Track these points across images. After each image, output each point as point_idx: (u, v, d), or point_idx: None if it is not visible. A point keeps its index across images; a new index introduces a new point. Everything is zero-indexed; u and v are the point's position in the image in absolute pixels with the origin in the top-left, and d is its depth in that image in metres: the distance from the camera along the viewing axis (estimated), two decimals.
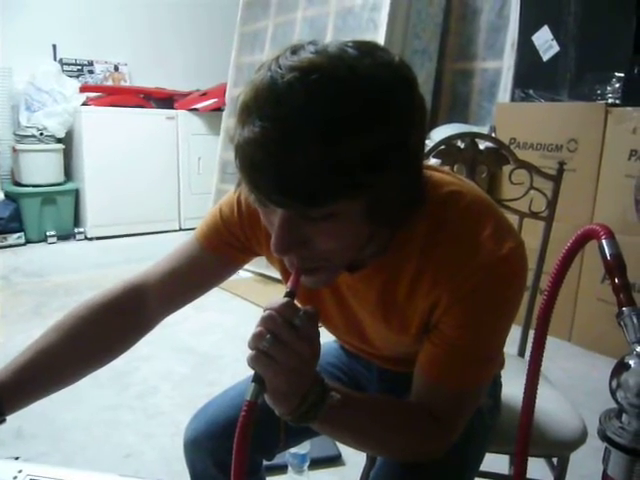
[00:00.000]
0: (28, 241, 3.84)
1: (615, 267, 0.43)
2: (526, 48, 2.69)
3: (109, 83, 4.41)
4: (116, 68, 4.45)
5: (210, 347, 2.22)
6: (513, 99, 2.73)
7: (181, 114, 4.26)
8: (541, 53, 2.62)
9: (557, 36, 2.55)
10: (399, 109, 0.54)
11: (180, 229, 4.37)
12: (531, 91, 2.63)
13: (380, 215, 0.58)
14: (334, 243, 0.59)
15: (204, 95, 4.25)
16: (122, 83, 4.47)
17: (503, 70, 2.85)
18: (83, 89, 4.02)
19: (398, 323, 0.72)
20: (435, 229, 0.65)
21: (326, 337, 1.00)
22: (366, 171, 0.53)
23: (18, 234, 3.78)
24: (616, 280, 0.43)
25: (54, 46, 4.16)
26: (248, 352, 0.55)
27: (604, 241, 0.44)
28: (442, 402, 0.67)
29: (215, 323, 2.51)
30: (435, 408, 0.67)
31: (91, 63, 4.35)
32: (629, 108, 2.25)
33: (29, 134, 3.81)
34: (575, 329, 2.41)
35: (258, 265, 2.89)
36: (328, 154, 0.51)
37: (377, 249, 0.66)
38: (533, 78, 2.67)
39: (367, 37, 2.27)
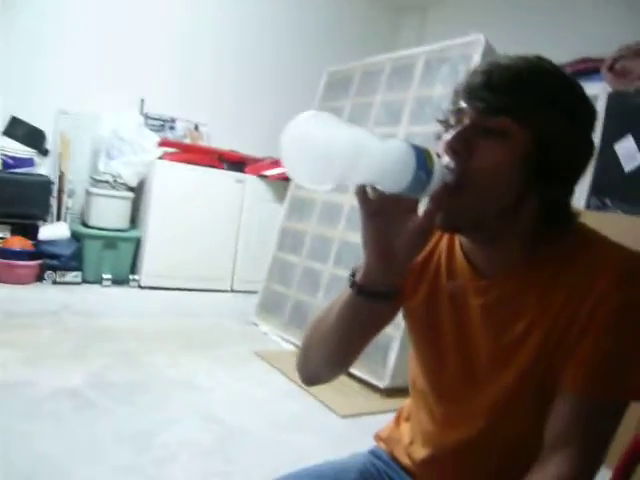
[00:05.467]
0: (84, 281, 3.91)
1: None
2: (607, 155, 2.59)
3: (187, 140, 4.59)
4: (196, 127, 4.64)
5: (237, 420, 2.12)
6: (588, 206, 2.61)
7: (250, 179, 4.36)
8: (623, 163, 2.52)
9: None
10: (581, 98, 0.70)
11: (232, 290, 4.37)
12: (608, 200, 2.51)
13: (536, 171, 0.67)
14: (491, 166, 0.66)
15: (275, 163, 4.34)
16: (199, 142, 4.64)
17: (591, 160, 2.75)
18: (161, 144, 4.19)
19: (513, 340, 0.71)
20: (578, 250, 0.70)
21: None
22: (543, 107, 0.66)
23: (76, 273, 3.86)
24: None
25: (142, 100, 4.39)
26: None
27: None
28: (581, 422, 0.65)
29: (248, 395, 2.41)
30: (571, 437, 0.65)
31: (173, 120, 4.55)
32: None
33: (104, 179, 3.97)
34: None
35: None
36: (521, 79, 0.67)
37: (513, 239, 0.71)
38: (612, 188, 2.56)
39: None
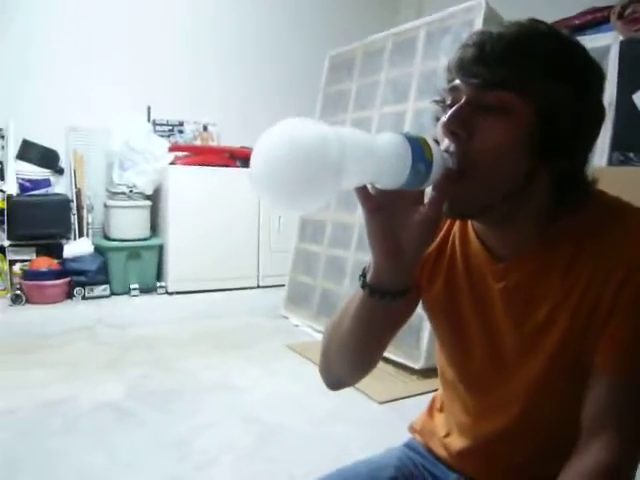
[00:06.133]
0: (113, 293, 3.96)
1: None
2: (625, 108, 2.49)
3: (197, 142, 4.59)
4: (205, 128, 4.63)
5: (275, 418, 2.11)
6: (611, 163, 2.52)
7: None
8: None
9: None
10: (584, 59, 0.65)
11: (258, 286, 4.37)
12: (631, 154, 2.42)
13: (543, 146, 0.62)
14: (494, 146, 0.61)
15: None
16: (210, 142, 4.64)
17: (604, 123, 2.66)
18: (172, 149, 4.20)
19: (538, 325, 0.68)
20: (598, 223, 0.65)
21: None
22: (544, 75, 0.61)
23: (104, 286, 3.91)
24: None
25: (149, 108, 4.40)
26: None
27: None
28: (618, 405, 0.62)
29: (283, 391, 2.40)
30: (609, 421, 0.62)
31: (181, 123, 4.55)
32: None
33: (120, 191, 4.00)
34: None
35: None
36: (516, 47, 0.62)
37: (527, 218, 0.67)
38: (634, 140, 2.46)
39: None
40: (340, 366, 0.79)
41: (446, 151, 0.63)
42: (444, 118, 0.64)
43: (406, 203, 0.62)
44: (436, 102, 0.70)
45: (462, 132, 0.63)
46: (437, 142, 0.64)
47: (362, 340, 0.72)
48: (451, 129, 0.63)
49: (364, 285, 0.66)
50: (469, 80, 0.63)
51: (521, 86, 0.61)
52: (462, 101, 0.64)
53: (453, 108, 0.64)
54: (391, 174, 0.57)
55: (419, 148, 0.57)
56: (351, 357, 0.76)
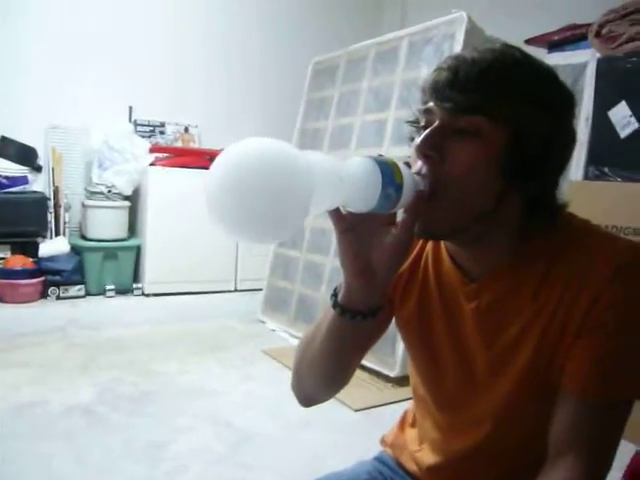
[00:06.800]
0: (88, 293, 3.91)
1: None
2: (601, 124, 2.55)
3: (179, 144, 4.56)
4: (186, 129, 4.61)
5: (249, 423, 2.11)
6: (587, 177, 2.57)
7: None
8: (618, 130, 2.47)
9: (636, 112, 2.41)
10: (556, 85, 0.66)
11: (235, 290, 4.35)
12: (606, 169, 2.47)
13: (514, 169, 0.62)
14: (466, 169, 0.62)
15: None
16: (191, 144, 4.61)
17: (576, 146, 2.71)
18: (153, 150, 4.17)
19: (508, 344, 0.69)
20: (568, 244, 0.66)
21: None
22: (515, 101, 0.62)
23: (79, 286, 3.86)
24: None
25: (130, 107, 4.36)
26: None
27: None
28: (585, 425, 0.63)
29: (258, 396, 2.40)
30: (576, 442, 0.62)
31: (163, 124, 4.52)
32: None
33: (98, 191, 3.96)
34: None
35: None
36: (489, 73, 0.63)
37: (499, 238, 0.68)
38: (609, 156, 2.51)
39: None
40: (311, 384, 0.80)
41: (418, 173, 0.64)
42: (417, 141, 0.65)
43: (378, 224, 0.63)
44: (410, 123, 0.70)
45: (434, 155, 0.64)
46: (408, 165, 0.65)
47: (333, 359, 0.73)
48: (424, 152, 0.64)
49: (335, 304, 0.66)
50: (442, 104, 0.64)
51: (493, 111, 0.62)
52: (435, 125, 0.65)
53: (426, 131, 0.65)
54: (361, 199, 0.57)
55: (389, 172, 0.58)
56: (322, 375, 0.76)
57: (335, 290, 0.68)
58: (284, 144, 0.50)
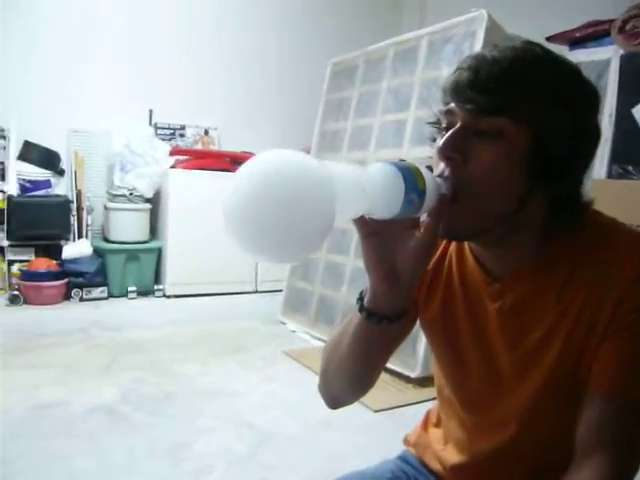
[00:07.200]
0: (110, 295, 3.95)
1: None
2: (625, 121, 2.50)
3: (199, 146, 4.59)
4: (206, 132, 4.64)
5: (270, 424, 2.11)
6: (610, 175, 2.53)
7: None
8: None
9: None
10: (579, 82, 0.65)
11: (256, 291, 4.37)
12: (630, 167, 2.43)
13: (538, 170, 0.62)
14: (489, 170, 0.62)
15: None
16: (211, 147, 4.64)
17: (600, 143, 2.67)
18: (173, 152, 4.20)
19: (533, 347, 0.69)
20: (593, 244, 0.66)
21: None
22: (538, 100, 0.61)
23: (102, 288, 3.90)
24: None
25: (150, 111, 4.41)
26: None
27: None
28: (611, 425, 0.62)
29: (279, 397, 2.40)
30: (602, 442, 0.62)
31: (183, 127, 4.56)
32: None
33: (120, 193, 4.00)
34: None
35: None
36: (511, 72, 0.62)
37: (522, 239, 0.67)
38: (633, 154, 2.47)
39: None
40: (338, 386, 0.80)
41: (440, 176, 0.64)
42: (439, 143, 0.65)
43: (401, 228, 0.62)
44: (432, 124, 0.70)
45: (457, 157, 0.63)
46: (430, 168, 0.65)
47: (359, 362, 0.73)
48: (446, 154, 0.63)
49: (361, 309, 0.66)
50: (464, 105, 0.63)
51: (515, 111, 0.61)
52: (457, 126, 0.64)
53: (448, 133, 0.64)
54: (384, 207, 0.57)
55: (411, 178, 0.57)
56: (349, 378, 0.76)
57: (361, 294, 0.68)
58: (303, 156, 0.49)
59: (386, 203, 0.56)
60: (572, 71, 0.65)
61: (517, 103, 0.61)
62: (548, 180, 0.63)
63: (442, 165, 0.64)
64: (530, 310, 0.69)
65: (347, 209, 0.52)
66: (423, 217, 0.63)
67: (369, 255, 0.62)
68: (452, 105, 0.65)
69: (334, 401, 0.83)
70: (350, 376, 0.76)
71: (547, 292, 0.67)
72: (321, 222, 0.48)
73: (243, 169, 0.48)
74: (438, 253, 0.79)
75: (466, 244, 0.76)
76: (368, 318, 0.65)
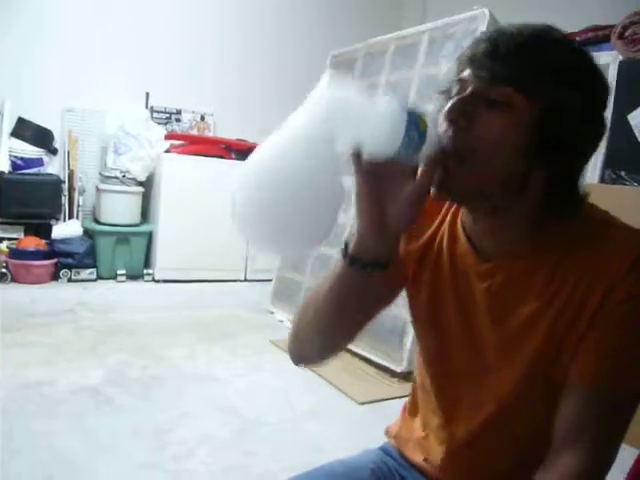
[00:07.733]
0: (99, 277, 3.94)
1: None
2: (620, 127, 2.52)
3: (194, 132, 4.57)
4: (202, 118, 4.62)
5: (254, 411, 2.13)
6: (603, 180, 2.55)
7: None
8: (636, 133, 2.45)
9: None
10: (594, 71, 0.66)
11: (246, 280, 4.37)
12: (623, 173, 2.45)
13: (541, 145, 0.63)
14: (494, 137, 0.63)
15: None
16: (206, 132, 4.62)
17: (602, 139, 2.69)
18: (168, 137, 4.18)
19: (519, 326, 0.69)
20: (586, 233, 0.67)
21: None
22: (552, 78, 0.63)
23: (91, 270, 3.89)
24: None
25: (147, 94, 4.37)
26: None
27: None
28: (592, 414, 0.63)
29: (265, 385, 2.42)
30: (583, 431, 0.63)
31: (179, 112, 4.53)
32: None
33: (113, 175, 3.98)
34: None
35: None
36: (528, 48, 0.64)
37: (519, 213, 0.68)
38: (626, 159, 2.49)
39: None
40: (308, 339, 0.79)
41: (444, 133, 0.65)
42: (447, 106, 0.66)
43: (399, 174, 0.63)
44: (441, 92, 0.71)
45: (462, 121, 0.64)
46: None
47: (335, 314, 0.72)
48: (451, 117, 0.65)
49: (345, 255, 0.67)
50: (478, 72, 0.65)
51: (528, 84, 0.63)
52: (467, 92, 0.65)
53: (456, 97, 0.65)
54: (386, 137, 0.58)
55: (415, 117, 0.59)
56: (321, 333, 0.76)
57: (346, 241, 0.68)
58: (307, 135, 0.57)
59: (388, 133, 0.58)
60: (589, 60, 0.67)
61: (530, 77, 0.63)
62: (551, 157, 0.64)
63: (446, 126, 0.65)
64: (518, 291, 0.69)
65: (349, 134, 0.56)
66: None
67: (362, 197, 0.63)
68: (465, 73, 0.66)
69: (300, 356, 0.83)
70: (322, 331, 0.75)
71: (537, 274, 0.68)
72: (327, 218, 0.53)
73: (250, 162, 0.52)
74: (430, 232, 0.80)
75: (459, 224, 0.76)
76: (351, 264, 0.66)
